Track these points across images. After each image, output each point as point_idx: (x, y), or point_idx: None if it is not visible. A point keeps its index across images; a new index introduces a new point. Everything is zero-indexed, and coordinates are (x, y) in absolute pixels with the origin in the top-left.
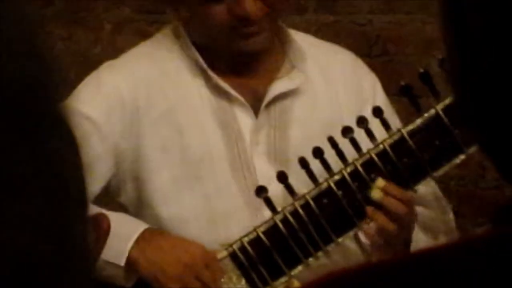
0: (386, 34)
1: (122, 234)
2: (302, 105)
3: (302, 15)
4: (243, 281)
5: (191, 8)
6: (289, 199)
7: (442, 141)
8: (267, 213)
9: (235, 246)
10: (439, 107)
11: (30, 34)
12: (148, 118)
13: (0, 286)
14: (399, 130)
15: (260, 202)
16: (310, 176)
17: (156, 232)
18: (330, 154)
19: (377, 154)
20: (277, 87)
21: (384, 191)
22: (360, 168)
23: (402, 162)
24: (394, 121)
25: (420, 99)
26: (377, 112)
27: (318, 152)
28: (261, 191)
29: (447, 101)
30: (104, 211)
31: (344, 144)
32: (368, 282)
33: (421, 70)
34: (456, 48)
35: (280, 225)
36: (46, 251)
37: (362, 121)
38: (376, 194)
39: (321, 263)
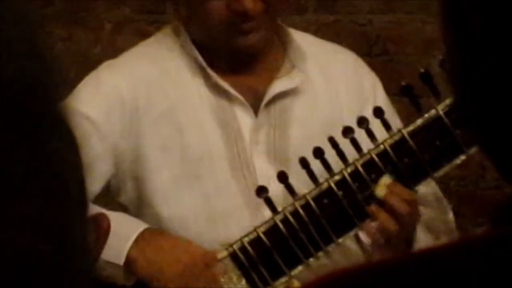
0: (386, 34)
1: (122, 234)
2: (302, 105)
3: (302, 15)
4: (244, 281)
5: (191, 5)
6: (289, 199)
7: (442, 141)
8: (266, 213)
9: (235, 246)
10: (440, 107)
11: (30, 34)
12: (148, 117)
13: (0, 286)
14: (399, 131)
15: (259, 201)
16: (310, 176)
17: (156, 232)
18: (330, 154)
19: (377, 155)
20: (277, 86)
21: (389, 189)
22: (360, 169)
23: (403, 163)
24: (395, 121)
25: (420, 99)
26: (378, 112)
27: (318, 152)
28: (261, 191)
29: (448, 101)
30: (104, 211)
31: (345, 144)
32: (368, 282)
33: (422, 70)
34: (456, 48)
35: (281, 225)
36: (46, 251)
37: (362, 122)
38: (380, 191)
39: (321, 263)
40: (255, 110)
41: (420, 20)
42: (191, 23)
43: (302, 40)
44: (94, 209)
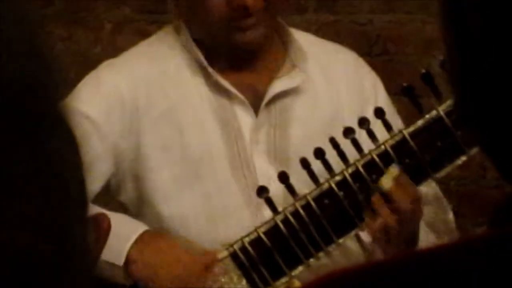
0: (386, 33)
1: (122, 235)
2: (303, 104)
3: (302, 14)
4: (244, 281)
5: (191, 2)
6: (290, 199)
7: (443, 142)
8: (266, 212)
9: (236, 246)
10: (441, 108)
11: (30, 34)
12: (148, 117)
13: (0, 286)
14: (400, 131)
15: (259, 201)
16: (311, 176)
17: (155, 234)
18: (331, 155)
19: (378, 155)
20: (278, 86)
21: (396, 181)
22: (361, 169)
23: (404, 163)
24: (396, 121)
25: (421, 99)
26: (379, 113)
27: (319, 153)
28: (262, 191)
29: (449, 102)
30: (104, 211)
31: (346, 145)
32: (368, 282)
33: (423, 71)
34: (456, 48)
35: (281, 225)
36: (46, 251)
37: (363, 122)
38: (386, 183)
39: (322, 263)
40: (256, 109)
41: (420, 20)
42: (192, 21)
43: (303, 39)
44: (94, 209)
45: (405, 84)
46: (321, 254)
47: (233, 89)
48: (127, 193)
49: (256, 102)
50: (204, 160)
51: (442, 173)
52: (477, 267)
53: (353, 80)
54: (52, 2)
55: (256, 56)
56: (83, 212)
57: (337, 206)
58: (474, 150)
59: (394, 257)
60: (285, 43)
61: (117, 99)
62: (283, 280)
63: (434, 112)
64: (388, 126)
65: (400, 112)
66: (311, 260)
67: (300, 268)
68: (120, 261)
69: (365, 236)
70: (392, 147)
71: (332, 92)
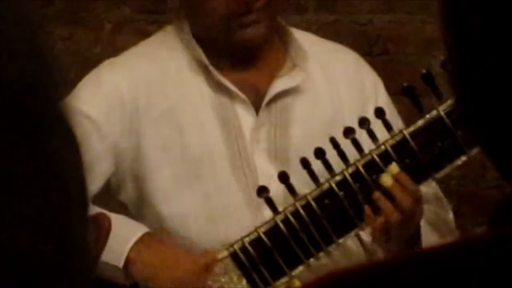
0: (386, 33)
1: (122, 236)
2: (303, 104)
3: (303, 14)
4: (244, 281)
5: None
6: (290, 199)
7: (444, 142)
8: (267, 212)
9: (236, 246)
10: (441, 108)
11: (30, 34)
12: (148, 117)
13: (0, 286)
14: (401, 131)
15: (260, 201)
16: (311, 176)
17: (155, 237)
18: (331, 155)
19: (378, 155)
20: (278, 85)
21: (395, 178)
22: (361, 169)
23: (404, 163)
24: (396, 121)
25: (422, 99)
26: (379, 113)
27: (319, 153)
28: (262, 191)
29: (449, 102)
30: (104, 211)
31: (346, 145)
32: (368, 282)
33: (424, 71)
34: (456, 48)
35: (281, 225)
36: (46, 251)
37: (364, 122)
38: (386, 181)
39: (322, 263)
40: (256, 108)
41: (420, 20)
42: (193, 19)
43: (303, 39)
44: (94, 209)
45: (405, 84)
46: (321, 254)
47: (234, 88)
48: (127, 193)
49: (257, 101)
50: (204, 160)
51: (442, 173)
52: (477, 267)
53: (353, 79)
54: (52, 2)
55: (257, 55)
56: (83, 212)
57: (337, 206)
58: (475, 150)
59: (394, 257)
60: (285, 42)
61: (117, 99)
62: (283, 280)
63: (434, 112)
64: (388, 126)
65: (400, 112)
66: (311, 260)
67: (300, 268)
68: (120, 263)
69: (365, 236)
70: (392, 147)
71: (333, 91)
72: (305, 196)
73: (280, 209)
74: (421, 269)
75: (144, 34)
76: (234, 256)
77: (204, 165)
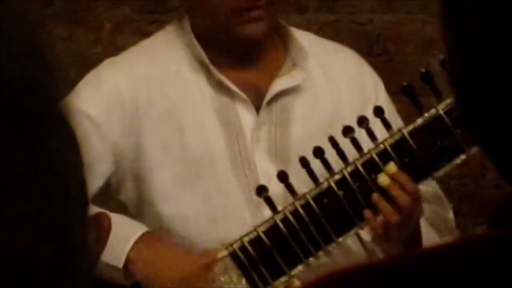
0: (386, 33)
1: (121, 236)
2: (303, 103)
3: (303, 14)
4: (244, 281)
5: None
6: (290, 198)
7: (443, 141)
8: (267, 212)
9: (235, 246)
10: (440, 107)
11: (30, 34)
12: (148, 117)
13: (0, 286)
14: (400, 130)
15: (260, 200)
16: (310, 175)
17: (155, 236)
18: (331, 154)
19: (377, 154)
20: (279, 85)
21: (392, 177)
22: (360, 168)
23: (403, 162)
24: (396, 121)
25: (421, 98)
26: (378, 111)
27: (318, 152)
28: (261, 190)
29: (448, 101)
30: (103, 211)
31: (345, 144)
32: (368, 282)
33: (423, 70)
34: (456, 48)
35: (281, 224)
36: (46, 251)
37: (363, 121)
38: (383, 180)
39: (321, 262)
40: (257, 108)
41: (420, 20)
42: (195, 15)
43: (303, 39)
44: (94, 209)
45: (405, 84)
46: (320, 253)
47: (234, 88)
48: (127, 193)
49: (257, 101)
50: (205, 160)
51: (441, 172)
52: (477, 267)
53: (354, 79)
54: (52, 2)
55: (257, 54)
56: (83, 212)
57: (336, 205)
58: (474, 149)
59: (394, 257)
60: (285, 42)
61: (117, 99)
62: (283, 279)
63: (433, 111)
64: (387, 125)
65: (400, 111)
66: (311, 259)
67: (300, 267)
68: (120, 263)
69: (365, 235)
70: (392, 146)
71: (333, 91)
72: (304, 196)
73: (280, 208)
74: (421, 269)
75: (144, 34)
76: (233, 255)
77: (204, 165)
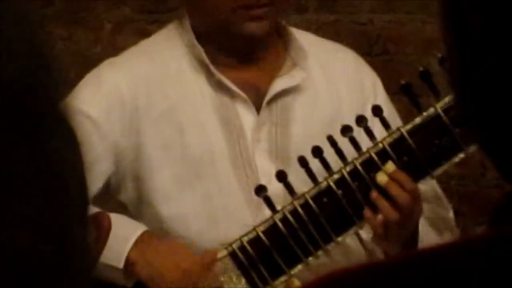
0: (386, 33)
1: (121, 236)
2: (304, 103)
3: (303, 14)
4: (243, 281)
5: None
6: (290, 198)
7: (441, 139)
8: (267, 212)
9: (234, 246)
10: (439, 105)
11: (30, 34)
12: (149, 116)
13: (0, 286)
14: (398, 129)
15: (260, 200)
16: (309, 175)
17: (155, 236)
18: (329, 153)
19: (376, 153)
20: (279, 84)
21: (391, 176)
22: (359, 167)
23: (402, 161)
24: (395, 120)
25: (420, 99)
26: (377, 110)
27: (317, 151)
28: (260, 190)
29: (447, 99)
30: (103, 211)
31: (344, 143)
32: (368, 282)
33: (421, 69)
34: (456, 48)
35: (280, 224)
36: (46, 251)
37: (361, 120)
38: (382, 179)
39: (321, 262)
40: (257, 108)
41: (420, 20)
42: (195, 15)
43: (303, 39)
44: (94, 210)
45: (403, 82)
46: (320, 252)
47: (235, 88)
48: (127, 193)
49: (257, 101)
50: (205, 160)
51: (440, 171)
52: (477, 267)
53: (353, 79)
54: (52, 2)
55: (257, 54)
56: (83, 212)
57: (335, 204)
58: (472, 148)
59: (394, 257)
60: (285, 42)
61: (117, 99)
62: (282, 279)
63: (432, 110)
64: (386, 124)
65: (399, 111)
66: (310, 259)
67: (299, 267)
68: (120, 263)
69: (365, 234)
70: (390, 145)
71: (332, 90)
72: (303, 195)
73: (279, 208)
74: (421, 269)
75: (144, 34)
76: (233, 255)
77: (204, 165)
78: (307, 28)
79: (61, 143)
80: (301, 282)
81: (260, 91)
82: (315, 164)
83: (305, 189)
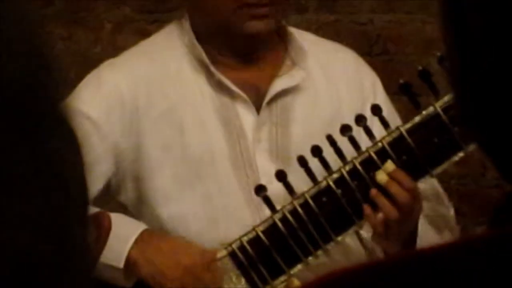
0: (386, 33)
1: (121, 236)
2: (303, 102)
3: (303, 14)
4: (243, 281)
5: None
6: (291, 198)
7: (441, 138)
8: (268, 212)
9: (234, 246)
10: (438, 104)
11: (30, 34)
12: (149, 116)
13: (0, 286)
14: (397, 128)
15: (261, 200)
16: (309, 174)
17: (155, 234)
18: (329, 153)
19: (375, 152)
20: (279, 84)
21: (390, 175)
22: (359, 167)
23: (401, 160)
24: (395, 120)
25: (420, 98)
26: (376, 110)
27: (316, 151)
28: (260, 189)
29: (446, 98)
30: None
31: (343, 142)
32: (368, 282)
33: (420, 68)
34: (456, 48)
35: (279, 224)
36: (46, 251)
37: (360, 119)
38: (381, 178)
39: (320, 261)
40: (257, 108)
41: (420, 20)
42: (195, 16)
43: (302, 38)
44: (93, 210)
45: (402, 81)
46: (319, 252)
47: (235, 88)
48: (127, 193)
49: (257, 101)
50: (205, 160)
51: (439, 170)
52: (477, 267)
53: (353, 79)
54: (52, 2)
55: (257, 54)
56: (83, 212)
57: (335, 203)
58: (472, 147)
59: (394, 256)
60: (285, 42)
61: (117, 99)
62: (282, 278)
63: (431, 109)
64: (385, 123)
65: (399, 111)
66: (310, 258)
67: (299, 266)
68: (120, 263)
69: (364, 233)
70: (389, 144)
71: (332, 90)
72: (303, 195)
73: (278, 207)
74: (421, 269)
75: (144, 34)
76: (232, 255)
77: (204, 165)
78: (307, 28)
79: (61, 143)
80: (301, 281)
81: (260, 91)
82: (314, 163)
83: (306, 189)
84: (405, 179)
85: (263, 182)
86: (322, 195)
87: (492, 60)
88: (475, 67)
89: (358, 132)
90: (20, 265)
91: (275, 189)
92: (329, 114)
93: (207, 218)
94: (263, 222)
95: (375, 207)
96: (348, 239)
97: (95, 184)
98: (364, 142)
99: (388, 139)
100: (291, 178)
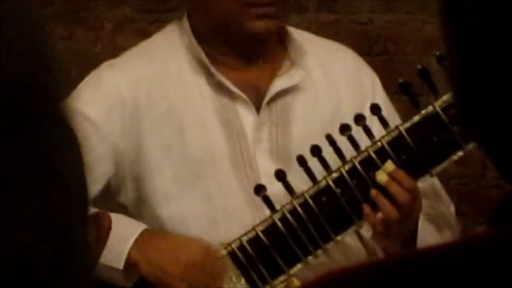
0: (386, 33)
1: (121, 236)
2: (303, 102)
3: (303, 14)
4: (243, 280)
5: None
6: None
7: (440, 137)
8: (268, 212)
9: (234, 245)
10: (437, 103)
11: (30, 34)
12: (149, 117)
13: (0, 286)
14: (397, 127)
15: (261, 200)
16: (308, 174)
17: (155, 234)
18: (328, 152)
19: (375, 152)
20: (278, 84)
21: (390, 175)
22: (358, 166)
23: (400, 159)
24: (394, 119)
25: (419, 97)
26: (375, 109)
27: (316, 150)
28: (259, 189)
29: (445, 97)
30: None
31: (342, 142)
32: (368, 281)
33: (419, 67)
34: (456, 48)
35: (279, 223)
36: (46, 251)
37: (359, 119)
38: (381, 178)
39: (320, 261)
40: (257, 108)
41: (420, 20)
42: (196, 16)
43: (302, 38)
44: (93, 210)
45: (401, 80)
46: (319, 252)
47: (235, 89)
48: (127, 194)
49: (257, 101)
50: (205, 160)
51: (438, 169)
52: (477, 267)
53: (352, 78)
54: (52, 2)
55: (257, 54)
56: (83, 212)
57: (334, 203)
58: (471, 146)
59: (394, 256)
60: (285, 42)
61: (117, 100)
62: (282, 278)
63: (430, 108)
64: (384, 122)
65: (399, 111)
66: (310, 258)
67: (299, 266)
68: (120, 264)
69: (364, 232)
70: (389, 143)
71: (332, 90)
72: (302, 194)
73: (278, 207)
74: (421, 268)
75: (144, 34)
76: (232, 255)
77: (205, 165)
78: (307, 28)
79: (61, 143)
80: (301, 281)
81: (260, 91)
82: (314, 163)
83: (306, 188)
84: (405, 179)
85: (263, 182)
86: (322, 194)
87: (492, 60)
88: (475, 67)
89: (357, 132)
90: (20, 265)
91: (276, 189)
92: (329, 114)
93: (207, 218)
94: (263, 221)
95: (375, 207)
96: (348, 238)
97: (95, 184)
98: (364, 141)
99: (388, 138)
100: (291, 178)
